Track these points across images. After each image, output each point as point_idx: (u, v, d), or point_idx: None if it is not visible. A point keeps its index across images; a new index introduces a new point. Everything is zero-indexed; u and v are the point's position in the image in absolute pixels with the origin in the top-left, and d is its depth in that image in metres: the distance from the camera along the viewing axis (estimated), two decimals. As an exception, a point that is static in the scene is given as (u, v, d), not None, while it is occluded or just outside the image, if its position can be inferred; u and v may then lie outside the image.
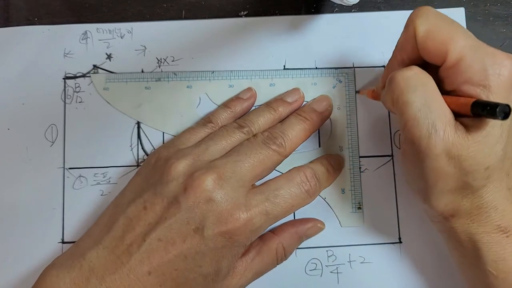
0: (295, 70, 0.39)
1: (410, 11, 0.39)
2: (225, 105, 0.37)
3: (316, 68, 0.39)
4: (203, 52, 0.39)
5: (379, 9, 0.40)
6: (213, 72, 0.39)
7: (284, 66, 0.39)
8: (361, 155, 0.38)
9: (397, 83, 0.29)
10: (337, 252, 0.37)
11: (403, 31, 0.30)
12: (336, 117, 0.38)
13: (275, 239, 0.34)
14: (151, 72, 0.39)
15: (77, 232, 0.37)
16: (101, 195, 0.37)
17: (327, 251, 0.37)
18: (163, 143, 0.38)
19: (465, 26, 0.39)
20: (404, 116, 0.28)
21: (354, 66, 0.39)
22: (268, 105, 0.36)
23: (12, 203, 0.37)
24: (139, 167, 0.34)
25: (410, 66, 0.30)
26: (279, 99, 0.36)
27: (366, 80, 0.39)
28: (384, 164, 0.38)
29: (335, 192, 0.37)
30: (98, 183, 0.37)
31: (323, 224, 0.36)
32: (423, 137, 0.27)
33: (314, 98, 0.37)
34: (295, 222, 0.36)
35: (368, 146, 0.38)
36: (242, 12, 0.40)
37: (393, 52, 0.32)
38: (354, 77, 0.39)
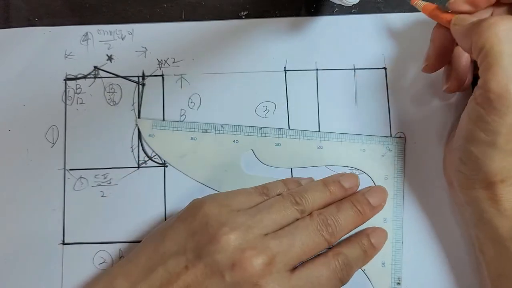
0: (344, 135, 0.38)
1: (410, 13, 0.40)
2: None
3: (366, 135, 0.38)
4: (204, 53, 0.39)
5: (379, 9, 0.40)
6: (261, 128, 0.38)
7: (284, 67, 0.39)
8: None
9: (495, 32, 0.28)
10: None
11: None
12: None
13: None
14: (197, 122, 0.38)
15: (77, 234, 0.37)
16: (102, 196, 0.37)
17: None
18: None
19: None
20: (495, 66, 0.28)
21: (355, 67, 0.39)
22: (325, 184, 0.35)
23: (13, 204, 0.37)
24: (182, 211, 0.33)
25: (508, 16, 0.29)
26: (337, 182, 0.35)
27: (367, 79, 0.39)
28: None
29: (375, 264, 0.36)
30: (99, 185, 0.38)
31: None
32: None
33: (371, 187, 0.36)
34: None
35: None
36: (242, 13, 0.40)
37: None
38: (404, 148, 0.38)
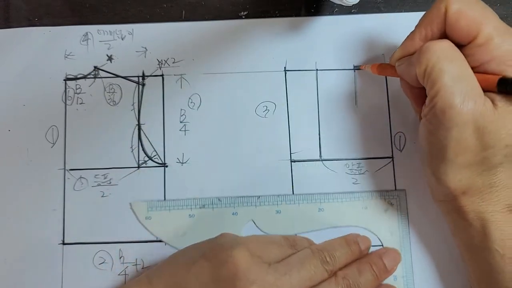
0: (344, 194, 0.38)
1: (410, 13, 0.40)
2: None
3: (367, 191, 0.38)
4: (204, 53, 0.39)
5: (379, 9, 0.40)
6: (259, 197, 0.37)
7: (285, 67, 0.39)
8: (361, 157, 0.38)
9: (433, 52, 0.29)
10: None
11: (432, 8, 0.31)
12: (389, 244, 0.37)
13: None
14: (194, 198, 0.37)
15: (77, 234, 0.37)
16: (102, 196, 0.37)
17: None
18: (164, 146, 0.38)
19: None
20: (438, 84, 0.29)
21: (354, 67, 0.39)
22: (348, 244, 0.34)
23: (13, 204, 0.37)
24: (209, 246, 0.32)
25: (443, 39, 0.31)
26: (356, 243, 0.34)
27: (367, 79, 0.39)
28: (384, 166, 0.38)
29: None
30: (99, 185, 0.38)
31: None
32: (455, 105, 0.28)
33: (387, 250, 0.35)
34: None
35: (368, 148, 0.38)
36: (242, 13, 0.40)
37: (416, 27, 0.33)
38: (406, 200, 0.38)
